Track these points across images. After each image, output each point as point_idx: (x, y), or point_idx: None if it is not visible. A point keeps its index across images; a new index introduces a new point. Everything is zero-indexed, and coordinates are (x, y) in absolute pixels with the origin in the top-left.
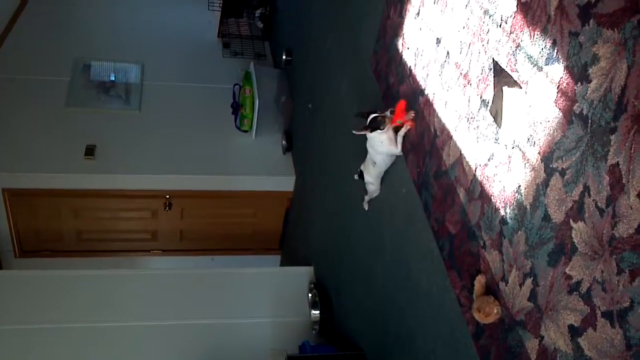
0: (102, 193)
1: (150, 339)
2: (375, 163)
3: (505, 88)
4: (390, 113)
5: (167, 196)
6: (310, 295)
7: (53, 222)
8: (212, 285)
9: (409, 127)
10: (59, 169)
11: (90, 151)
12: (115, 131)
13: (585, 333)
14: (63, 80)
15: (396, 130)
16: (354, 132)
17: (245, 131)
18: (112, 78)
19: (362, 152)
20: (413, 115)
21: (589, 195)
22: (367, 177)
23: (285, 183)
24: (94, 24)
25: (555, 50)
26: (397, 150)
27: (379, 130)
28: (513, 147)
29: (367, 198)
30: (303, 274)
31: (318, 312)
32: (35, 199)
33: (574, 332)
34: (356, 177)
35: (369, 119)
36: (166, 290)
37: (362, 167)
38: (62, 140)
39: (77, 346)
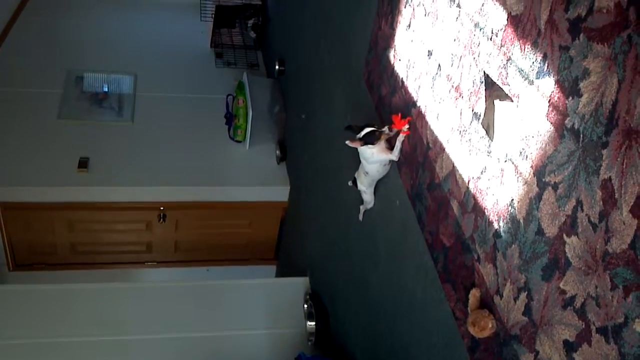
0: (96, 205)
1: (145, 352)
2: (367, 173)
3: (496, 101)
4: (389, 130)
5: (161, 208)
6: (305, 306)
7: (47, 235)
8: (207, 296)
9: (406, 133)
10: (52, 182)
11: (83, 163)
12: (109, 143)
13: (580, 348)
14: (56, 92)
15: (389, 139)
16: (347, 142)
17: (239, 141)
18: (105, 89)
19: (356, 161)
20: (409, 119)
21: (582, 209)
22: (360, 186)
23: (280, 193)
24: (87, 36)
25: (546, 64)
26: (393, 156)
27: (370, 145)
28: (505, 161)
29: (362, 208)
30: (298, 284)
31: (314, 323)
32: (28, 212)
33: (569, 347)
34: (350, 183)
35: (363, 133)
36: (161, 303)
37: (355, 175)
38: (55, 153)
39: None
